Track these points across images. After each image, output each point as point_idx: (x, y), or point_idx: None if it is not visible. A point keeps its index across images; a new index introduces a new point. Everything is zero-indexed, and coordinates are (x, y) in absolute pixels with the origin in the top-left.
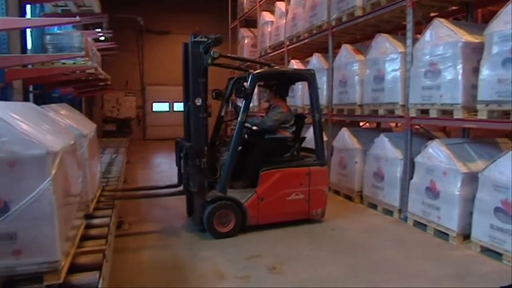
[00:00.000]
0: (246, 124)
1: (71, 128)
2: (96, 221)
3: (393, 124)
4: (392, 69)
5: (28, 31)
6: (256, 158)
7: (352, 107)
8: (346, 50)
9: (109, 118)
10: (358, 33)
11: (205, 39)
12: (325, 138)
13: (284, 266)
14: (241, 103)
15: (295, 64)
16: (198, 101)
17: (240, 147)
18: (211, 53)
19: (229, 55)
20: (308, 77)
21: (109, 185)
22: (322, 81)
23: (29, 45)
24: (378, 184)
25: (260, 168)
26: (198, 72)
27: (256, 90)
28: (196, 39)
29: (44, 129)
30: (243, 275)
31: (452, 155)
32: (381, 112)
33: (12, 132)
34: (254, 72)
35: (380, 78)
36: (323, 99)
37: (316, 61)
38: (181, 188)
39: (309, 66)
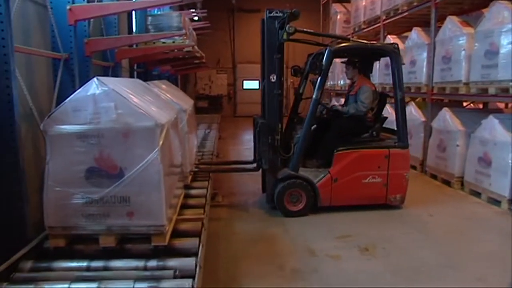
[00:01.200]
0: (339, 110)
1: (173, 103)
2: (193, 192)
3: (501, 105)
4: (509, 41)
5: (133, 14)
6: (331, 137)
7: (456, 85)
8: (451, 23)
9: (202, 95)
10: (466, 3)
11: (280, 14)
12: (423, 119)
13: (376, 249)
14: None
15: (391, 40)
16: (273, 78)
17: (315, 125)
18: (286, 28)
19: (305, 30)
20: (391, 52)
21: (204, 159)
22: (422, 58)
23: (133, 27)
24: (483, 171)
25: (336, 147)
26: (273, 48)
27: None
28: (271, 14)
29: (151, 103)
30: (334, 254)
31: None
32: (491, 91)
33: (126, 105)
34: (331, 46)
35: (493, 53)
36: (422, 77)
37: (415, 35)
38: (255, 165)
39: (408, 42)
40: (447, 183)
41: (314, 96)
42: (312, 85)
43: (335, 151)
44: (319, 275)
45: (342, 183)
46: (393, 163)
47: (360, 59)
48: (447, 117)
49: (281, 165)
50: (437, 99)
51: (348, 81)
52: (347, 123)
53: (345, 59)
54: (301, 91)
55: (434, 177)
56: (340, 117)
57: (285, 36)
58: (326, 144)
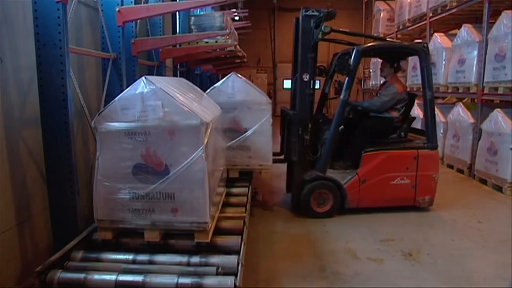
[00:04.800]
0: (353, 104)
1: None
2: (235, 190)
3: None
4: None
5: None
6: (359, 138)
7: (510, 85)
8: (507, 18)
9: None
10: None
11: (316, 13)
12: (472, 120)
13: (421, 254)
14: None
15: (439, 38)
16: (306, 77)
17: (342, 126)
18: (322, 27)
19: (340, 29)
20: (420, 51)
21: None
22: (471, 56)
23: (177, 28)
24: None
25: (363, 148)
26: (308, 47)
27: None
28: (307, 13)
29: (195, 101)
30: (376, 257)
31: None
32: None
33: (173, 103)
34: (359, 46)
35: None
36: (471, 76)
37: (465, 33)
38: (281, 156)
39: (456, 39)
40: (498, 188)
41: (341, 97)
42: (338, 85)
43: (362, 152)
44: (360, 279)
45: (370, 185)
46: (422, 164)
47: (390, 58)
48: (499, 119)
49: (309, 166)
50: (487, 99)
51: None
52: (374, 123)
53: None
54: (326, 91)
55: (483, 181)
56: (367, 118)
57: (320, 36)
58: (353, 145)
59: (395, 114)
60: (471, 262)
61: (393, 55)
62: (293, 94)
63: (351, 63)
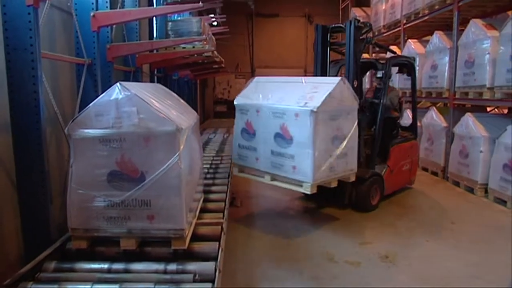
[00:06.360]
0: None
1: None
2: (213, 196)
3: None
4: None
5: (154, 20)
6: (385, 135)
7: (479, 90)
8: (475, 26)
9: (220, 100)
10: (490, 6)
11: (362, 25)
12: (444, 124)
13: (397, 256)
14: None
15: (412, 44)
16: (355, 83)
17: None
18: (368, 39)
19: (379, 43)
20: (413, 63)
21: (223, 163)
22: (443, 62)
23: (154, 33)
24: (508, 178)
25: (390, 143)
26: (357, 55)
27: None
28: (358, 25)
29: (172, 108)
30: (354, 260)
31: None
32: None
33: (148, 110)
34: (391, 60)
35: None
36: (443, 81)
37: (437, 39)
38: None
39: (429, 46)
40: (470, 190)
41: (384, 101)
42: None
43: (390, 146)
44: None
45: (395, 173)
46: (414, 151)
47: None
48: (470, 123)
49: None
50: (459, 104)
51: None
52: (392, 121)
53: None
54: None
55: (456, 184)
56: (387, 118)
57: (363, 47)
58: (382, 141)
59: (397, 114)
60: (445, 262)
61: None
62: None
63: (387, 73)
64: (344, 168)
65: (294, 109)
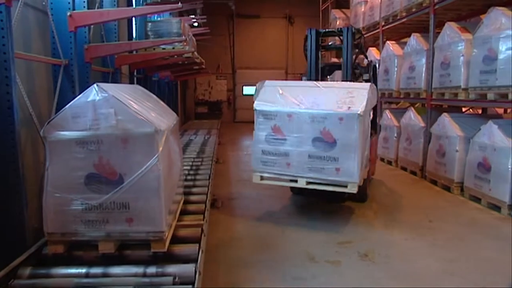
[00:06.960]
0: None
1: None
2: (193, 198)
3: (500, 110)
4: (507, 47)
5: (133, 20)
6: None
7: (454, 91)
8: (450, 29)
9: (201, 101)
10: (465, 9)
11: (356, 32)
12: (422, 124)
13: (376, 254)
14: None
15: (391, 46)
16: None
17: None
18: (360, 45)
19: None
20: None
21: (204, 164)
22: (420, 63)
23: (133, 34)
24: (483, 176)
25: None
26: (352, 59)
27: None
28: (353, 31)
29: (150, 109)
30: (334, 259)
31: None
32: (490, 96)
33: (126, 111)
34: (373, 63)
35: (491, 59)
36: (421, 82)
37: (414, 41)
38: None
39: (407, 47)
40: (447, 188)
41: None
42: None
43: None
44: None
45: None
46: (374, 145)
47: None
48: (446, 123)
49: None
50: (436, 104)
51: None
52: (374, 119)
53: None
54: None
55: (434, 182)
56: None
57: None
58: None
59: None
60: (422, 259)
61: None
62: None
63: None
64: (366, 165)
65: (337, 113)
